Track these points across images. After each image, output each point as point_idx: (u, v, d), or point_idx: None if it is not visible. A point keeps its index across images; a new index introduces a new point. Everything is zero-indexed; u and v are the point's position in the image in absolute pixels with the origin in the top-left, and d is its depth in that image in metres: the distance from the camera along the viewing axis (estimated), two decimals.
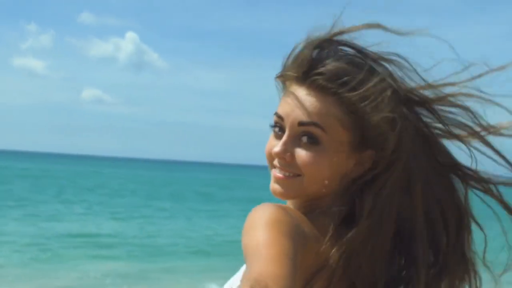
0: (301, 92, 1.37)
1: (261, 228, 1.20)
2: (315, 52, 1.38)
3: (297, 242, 1.22)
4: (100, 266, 15.26)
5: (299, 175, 1.37)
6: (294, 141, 1.37)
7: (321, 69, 1.35)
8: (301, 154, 1.36)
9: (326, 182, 1.36)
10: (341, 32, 1.40)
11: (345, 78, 1.34)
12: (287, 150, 1.37)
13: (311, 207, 1.39)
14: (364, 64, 1.37)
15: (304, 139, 1.36)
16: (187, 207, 34.77)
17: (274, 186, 1.40)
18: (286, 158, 1.37)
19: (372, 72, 1.37)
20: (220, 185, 60.88)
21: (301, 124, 1.36)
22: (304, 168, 1.36)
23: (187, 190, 50.41)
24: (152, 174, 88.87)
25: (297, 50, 1.40)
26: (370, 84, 1.34)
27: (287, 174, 1.38)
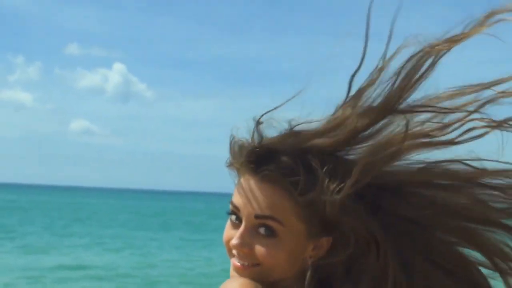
0: (255, 184, 1.37)
1: None
2: (267, 144, 1.37)
3: None
4: None
5: (258, 264, 1.37)
6: (251, 232, 1.37)
7: (274, 163, 1.35)
8: (259, 247, 1.36)
9: (285, 268, 1.36)
10: (294, 127, 1.39)
11: (296, 178, 1.33)
12: (245, 242, 1.37)
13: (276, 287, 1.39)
14: (314, 165, 1.34)
15: (262, 230, 1.36)
16: (178, 236, 34.55)
17: (233, 274, 1.40)
18: (244, 250, 1.37)
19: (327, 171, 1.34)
20: (208, 214, 60.56)
21: (257, 217, 1.36)
22: (262, 259, 1.36)
23: (176, 220, 50.18)
24: (140, 204, 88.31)
25: (246, 141, 1.39)
26: (321, 184, 1.33)
27: (245, 263, 1.38)
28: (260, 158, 1.36)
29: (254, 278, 1.36)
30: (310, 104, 1.40)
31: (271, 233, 1.35)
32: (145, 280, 18.85)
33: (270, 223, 1.35)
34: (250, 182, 1.37)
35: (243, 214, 1.37)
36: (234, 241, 1.37)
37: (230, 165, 1.42)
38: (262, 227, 1.36)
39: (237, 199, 1.39)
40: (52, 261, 21.83)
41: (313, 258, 1.38)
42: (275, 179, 1.34)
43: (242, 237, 1.37)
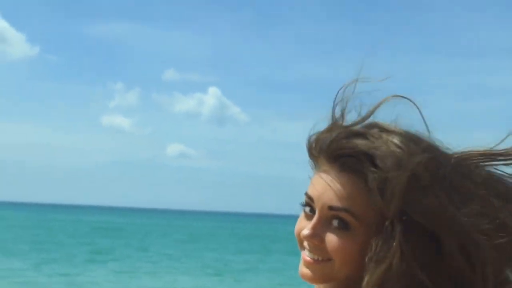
0: (332, 173, 1.33)
1: None
2: (347, 132, 1.33)
3: None
4: None
5: (329, 260, 1.33)
6: (324, 224, 1.33)
7: (352, 150, 1.30)
8: (331, 239, 1.32)
9: (358, 264, 1.29)
10: (371, 112, 1.37)
11: (377, 160, 1.26)
12: (316, 233, 1.33)
13: None
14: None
15: (335, 223, 1.32)
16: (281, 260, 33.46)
17: (302, 269, 1.37)
18: (315, 242, 1.33)
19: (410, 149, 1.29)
20: None
21: (331, 208, 1.32)
22: (334, 253, 1.32)
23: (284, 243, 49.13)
24: (236, 226, 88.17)
25: (329, 131, 1.36)
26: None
27: (316, 257, 1.34)
28: (340, 147, 1.32)
29: (324, 274, 1.34)
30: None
31: (344, 225, 1.31)
32: None
33: (344, 215, 1.31)
34: (327, 172, 1.34)
35: (317, 205, 1.34)
36: (305, 232, 1.34)
37: (311, 155, 1.39)
38: (335, 219, 1.32)
39: (312, 190, 1.36)
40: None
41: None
42: (354, 167, 1.29)
43: (314, 227, 1.34)
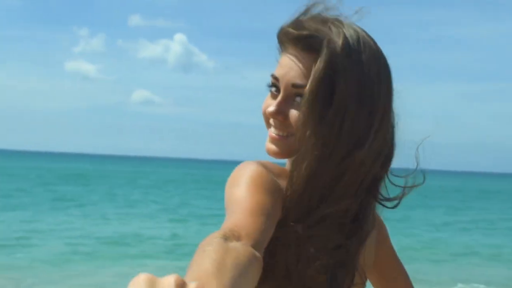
0: (296, 53, 1.39)
1: (243, 184, 1.27)
2: (312, 16, 1.41)
3: (277, 199, 1.29)
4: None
5: (293, 135, 1.39)
6: (288, 101, 1.41)
7: (318, 32, 1.36)
8: (294, 114, 1.39)
9: None
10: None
11: (339, 45, 1.33)
12: (281, 110, 1.41)
13: None
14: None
15: (298, 99, 1.39)
16: None
17: (268, 145, 1.44)
18: (279, 118, 1.41)
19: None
20: None
21: (294, 86, 1.39)
22: (299, 124, 1.36)
23: None
24: (205, 172, 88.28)
25: (296, 15, 1.43)
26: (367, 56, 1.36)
27: (281, 133, 1.42)
28: (303, 28, 1.38)
29: (290, 149, 1.40)
30: None
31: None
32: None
33: (302, 90, 1.36)
34: (291, 53, 1.40)
35: (282, 84, 1.41)
36: (271, 109, 1.41)
37: (278, 41, 1.45)
38: (298, 97, 1.38)
39: (277, 70, 1.42)
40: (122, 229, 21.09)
41: None
42: (315, 47, 1.35)
43: (279, 105, 1.41)
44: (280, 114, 1.40)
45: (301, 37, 1.38)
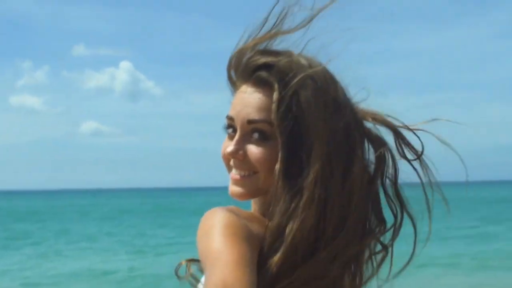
0: (248, 90, 1.39)
1: (218, 235, 1.21)
2: (258, 51, 1.40)
3: (253, 246, 1.24)
4: None
5: (255, 173, 1.38)
6: (246, 139, 1.39)
7: (264, 64, 1.36)
8: (253, 150, 1.37)
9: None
10: (277, 33, 1.41)
11: (290, 74, 1.34)
12: (239, 148, 1.38)
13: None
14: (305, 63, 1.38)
15: (255, 135, 1.37)
16: None
17: (232, 188, 1.41)
18: (239, 157, 1.39)
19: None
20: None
21: (250, 122, 1.37)
22: (258, 164, 1.37)
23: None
24: (156, 201, 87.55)
25: (237, 52, 1.42)
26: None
27: (243, 173, 1.39)
28: (254, 63, 1.38)
29: (253, 188, 1.38)
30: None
31: (264, 136, 1.36)
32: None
33: (262, 126, 1.36)
34: (243, 90, 1.40)
35: (237, 122, 1.40)
36: (229, 149, 1.39)
37: (228, 82, 1.46)
38: (255, 132, 1.37)
39: (231, 111, 1.42)
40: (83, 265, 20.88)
41: None
42: (266, 80, 1.36)
43: (237, 143, 1.39)
44: (239, 152, 1.38)
45: (249, 72, 1.39)
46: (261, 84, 1.37)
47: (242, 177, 1.39)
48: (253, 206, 1.45)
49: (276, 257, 1.28)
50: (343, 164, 1.33)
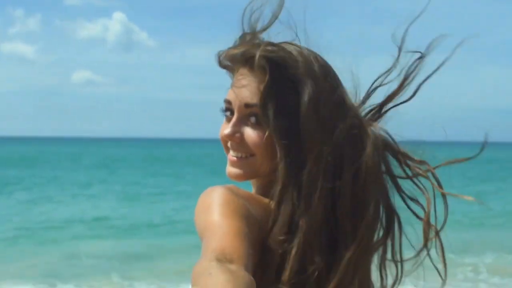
0: (246, 74, 1.41)
1: (216, 210, 1.24)
2: (258, 37, 1.43)
3: (250, 224, 1.26)
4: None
5: (252, 155, 1.41)
6: (243, 122, 1.41)
7: (264, 51, 1.37)
8: (250, 133, 1.40)
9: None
10: (274, 19, 1.44)
11: (290, 62, 1.37)
12: (236, 131, 1.41)
13: (271, 186, 1.37)
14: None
15: (252, 119, 1.40)
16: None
17: (229, 169, 1.44)
18: (235, 139, 1.42)
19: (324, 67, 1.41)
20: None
21: (247, 106, 1.40)
22: (254, 147, 1.39)
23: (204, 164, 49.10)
24: (150, 151, 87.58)
25: (240, 38, 1.45)
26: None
27: (239, 155, 1.42)
28: (254, 49, 1.39)
29: (250, 169, 1.42)
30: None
31: (259, 122, 1.38)
32: (150, 228, 17.71)
33: (256, 110, 1.38)
34: (242, 75, 1.41)
35: (235, 106, 1.42)
36: (226, 131, 1.42)
37: (226, 66, 1.47)
38: (252, 116, 1.40)
39: (229, 94, 1.44)
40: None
41: None
42: (266, 65, 1.37)
43: (233, 126, 1.41)
44: (236, 134, 1.41)
45: (248, 57, 1.40)
46: (261, 69, 1.38)
47: (239, 158, 1.42)
48: (253, 187, 1.47)
49: (293, 251, 1.31)
50: (351, 159, 1.35)
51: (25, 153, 72.71)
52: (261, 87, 1.37)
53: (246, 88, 1.40)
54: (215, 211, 1.24)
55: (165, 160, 59.62)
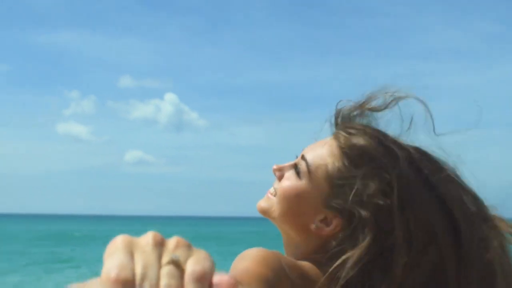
0: (327, 138, 1.48)
1: (249, 259, 1.24)
2: (355, 112, 1.50)
3: (280, 279, 1.24)
4: None
5: (275, 196, 1.47)
6: (290, 167, 1.48)
7: (349, 129, 1.44)
8: (285, 177, 1.47)
9: (290, 209, 1.44)
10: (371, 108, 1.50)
11: (364, 155, 1.40)
12: (280, 169, 1.49)
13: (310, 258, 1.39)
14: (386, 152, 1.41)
15: (296, 168, 1.46)
16: None
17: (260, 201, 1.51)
18: (277, 176, 1.49)
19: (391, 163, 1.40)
20: (266, 236, 59.41)
21: (303, 158, 1.46)
22: (279, 189, 1.46)
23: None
24: (197, 229, 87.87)
25: (343, 106, 1.51)
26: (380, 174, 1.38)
27: (272, 191, 1.48)
28: (343, 122, 1.50)
29: (265, 206, 1.48)
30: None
31: (297, 171, 1.45)
32: None
33: (302, 164, 1.45)
34: (332, 142, 1.46)
35: (302, 152, 1.50)
36: (274, 166, 1.50)
37: (334, 123, 1.52)
38: (298, 166, 1.46)
39: (308, 147, 1.51)
40: None
41: (316, 230, 1.42)
42: (341, 140, 1.43)
43: (283, 165, 1.49)
44: (278, 171, 1.49)
45: (350, 147, 1.41)
46: (336, 140, 1.44)
47: (269, 193, 1.49)
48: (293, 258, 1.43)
49: None
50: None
51: (77, 230, 73.93)
52: (326, 153, 1.44)
53: (321, 152, 1.47)
54: (248, 260, 1.24)
55: (212, 239, 59.85)
